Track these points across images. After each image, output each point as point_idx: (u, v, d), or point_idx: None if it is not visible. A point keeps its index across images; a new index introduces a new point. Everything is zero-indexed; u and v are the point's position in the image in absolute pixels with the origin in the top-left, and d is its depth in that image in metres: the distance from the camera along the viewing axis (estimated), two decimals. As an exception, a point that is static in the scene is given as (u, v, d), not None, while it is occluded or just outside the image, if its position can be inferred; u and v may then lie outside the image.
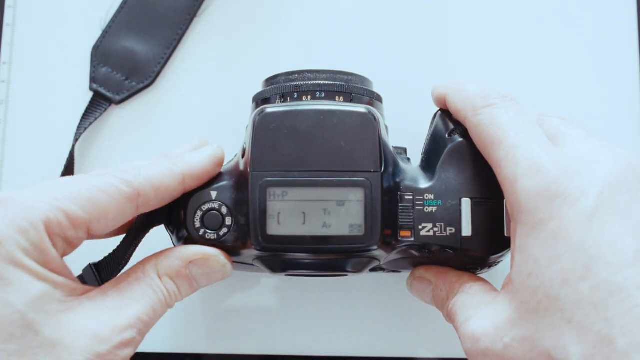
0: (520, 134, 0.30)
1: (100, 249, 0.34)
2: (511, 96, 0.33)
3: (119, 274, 0.34)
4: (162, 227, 0.35)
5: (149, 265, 0.32)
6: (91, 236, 0.31)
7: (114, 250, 0.34)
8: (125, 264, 0.34)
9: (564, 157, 0.29)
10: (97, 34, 0.46)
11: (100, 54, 0.46)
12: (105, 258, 0.34)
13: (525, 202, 0.29)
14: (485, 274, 0.37)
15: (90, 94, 0.46)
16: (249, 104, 0.38)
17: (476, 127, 0.32)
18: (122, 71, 0.46)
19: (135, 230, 0.34)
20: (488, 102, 0.32)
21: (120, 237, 0.35)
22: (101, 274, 0.33)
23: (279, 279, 0.44)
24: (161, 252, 0.33)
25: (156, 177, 0.31)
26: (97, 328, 0.28)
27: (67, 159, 0.44)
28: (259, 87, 0.38)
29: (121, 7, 0.47)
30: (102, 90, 0.46)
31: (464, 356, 0.31)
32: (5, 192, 0.29)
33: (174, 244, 0.35)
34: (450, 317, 0.33)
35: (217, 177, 0.34)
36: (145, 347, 0.43)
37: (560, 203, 0.28)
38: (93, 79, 0.46)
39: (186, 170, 0.33)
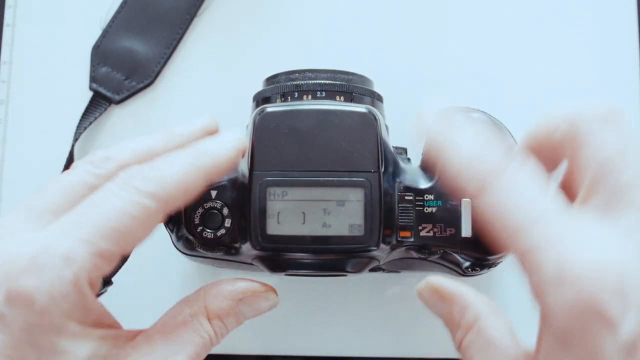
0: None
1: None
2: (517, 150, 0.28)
3: (119, 270, 0.33)
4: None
5: (198, 308, 0.29)
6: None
7: None
8: (126, 260, 0.34)
9: (600, 258, 0.23)
10: (97, 34, 0.46)
11: (100, 54, 0.46)
12: None
13: (553, 314, 0.23)
14: (484, 275, 0.37)
15: (90, 94, 0.46)
16: (249, 103, 0.38)
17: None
18: (122, 71, 0.46)
19: None
20: (491, 174, 0.25)
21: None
22: None
23: (279, 279, 0.44)
24: (208, 291, 0.30)
25: (182, 178, 0.28)
26: None
27: (67, 158, 0.44)
28: (259, 87, 0.38)
29: (121, 7, 0.47)
30: (102, 90, 0.45)
31: (463, 356, 0.31)
32: (32, 243, 0.26)
33: (173, 242, 0.35)
34: (463, 353, 0.28)
35: (216, 176, 0.34)
36: (145, 347, 0.43)
37: (597, 326, 0.22)
38: (93, 79, 0.46)
39: (212, 167, 0.29)
